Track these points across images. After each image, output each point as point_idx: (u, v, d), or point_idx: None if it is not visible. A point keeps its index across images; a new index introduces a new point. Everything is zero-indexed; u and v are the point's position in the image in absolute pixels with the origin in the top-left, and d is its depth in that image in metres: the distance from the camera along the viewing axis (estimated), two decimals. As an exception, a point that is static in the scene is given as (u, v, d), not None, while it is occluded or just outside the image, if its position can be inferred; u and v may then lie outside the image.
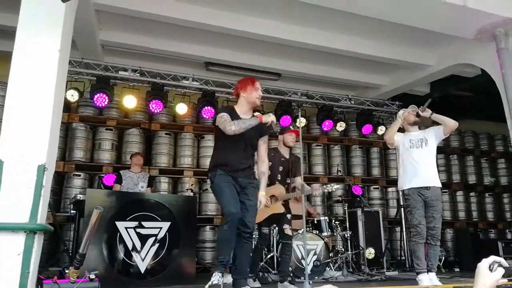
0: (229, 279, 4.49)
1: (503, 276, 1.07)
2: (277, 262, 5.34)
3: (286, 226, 4.32)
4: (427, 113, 4.15)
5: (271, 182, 4.25)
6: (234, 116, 3.49)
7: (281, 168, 4.44)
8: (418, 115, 4.21)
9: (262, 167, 3.66)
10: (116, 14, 5.46)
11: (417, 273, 4.09)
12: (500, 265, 1.09)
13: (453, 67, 6.66)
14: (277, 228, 4.85)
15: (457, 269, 6.94)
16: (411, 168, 4.19)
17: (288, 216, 4.38)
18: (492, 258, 1.06)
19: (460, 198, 8.65)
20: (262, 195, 3.58)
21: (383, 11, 5.09)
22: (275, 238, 5.34)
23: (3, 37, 5.73)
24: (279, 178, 4.40)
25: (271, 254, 5.35)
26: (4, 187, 2.79)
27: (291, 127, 4.55)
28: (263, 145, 3.68)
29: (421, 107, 4.21)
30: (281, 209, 4.32)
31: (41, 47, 3.11)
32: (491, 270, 1.03)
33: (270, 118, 3.46)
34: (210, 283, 3.20)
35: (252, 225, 3.46)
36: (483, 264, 1.02)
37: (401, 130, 4.42)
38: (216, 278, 3.21)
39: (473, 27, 5.25)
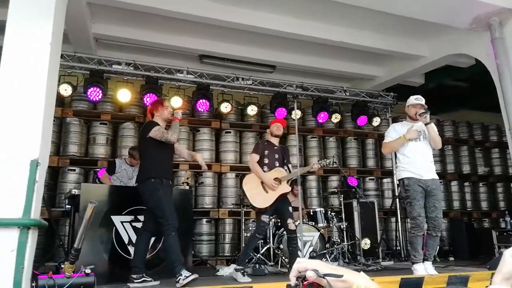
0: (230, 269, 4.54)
1: None
2: (273, 254, 5.38)
3: (290, 221, 4.47)
4: (424, 120, 4.11)
5: (270, 167, 4.58)
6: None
7: (277, 156, 4.64)
8: (415, 115, 4.18)
9: (184, 151, 4.60)
10: (108, 6, 5.41)
11: (413, 263, 4.12)
12: None
13: (448, 58, 6.66)
14: (273, 221, 4.92)
15: (451, 258, 7.00)
16: (408, 160, 4.18)
17: (290, 208, 4.57)
18: None
19: (454, 188, 8.69)
20: (199, 155, 4.46)
21: (377, 2, 5.07)
22: (271, 230, 5.37)
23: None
24: (277, 165, 4.61)
25: (268, 246, 5.38)
26: (-3, 183, 2.77)
27: (276, 117, 4.66)
28: (179, 146, 4.40)
29: (423, 113, 4.12)
30: (288, 188, 4.55)
31: (31, 40, 3.08)
32: None
33: (178, 114, 4.23)
34: (183, 278, 3.53)
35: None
36: (508, 252, 1.01)
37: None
38: (186, 272, 3.60)
39: (468, 17, 5.24)
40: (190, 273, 3.59)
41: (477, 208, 8.78)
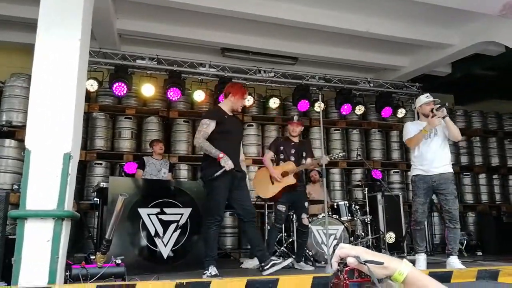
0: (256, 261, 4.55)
1: None
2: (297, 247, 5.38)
3: (304, 216, 4.70)
4: (441, 113, 4.12)
5: (285, 161, 4.77)
6: (221, 114, 3.97)
7: (293, 151, 4.79)
8: (432, 111, 4.18)
9: (242, 156, 4.20)
10: (132, 2, 5.47)
11: (415, 253, 4.29)
12: None
13: (476, 46, 6.46)
14: (295, 215, 5.01)
15: (479, 253, 6.84)
16: (416, 158, 4.29)
17: (306, 204, 4.75)
18: None
19: (482, 181, 8.46)
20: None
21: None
22: (295, 224, 5.37)
23: (25, 30, 5.83)
24: (293, 159, 4.75)
25: (292, 239, 5.38)
26: (32, 176, 2.87)
27: (294, 117, 4.89)
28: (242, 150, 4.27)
29: (440, 107, 4.15)
30: (293, 180, 4.64)
31: (62, 37, 3.16)
32: None
33: (226, 165, 3.73)
34: (208, 273, 3.61)
35: (252, 209, 3.97)
36: None
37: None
38: (213, 269, 3.66)
39: (498, 3, 5.05)
40: (216, 272, 3.64)
41: (506, 201, 8.53)
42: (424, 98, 4.32)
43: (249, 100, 6.94)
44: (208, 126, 3.86)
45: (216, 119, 3.91)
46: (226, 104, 4.05)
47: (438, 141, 4.21)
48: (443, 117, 4.12)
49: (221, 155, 3.76)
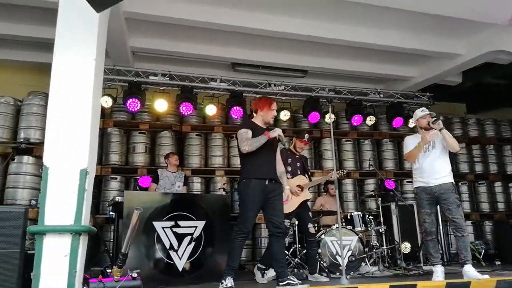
0: (272, 273, 4.61)
1: None
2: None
3: (310, 226, 4.80)
4: (437, 126, 4.19)
5: (293, 175, 4.89)
6: (254, 127, 3.92)
7: (298, 164, 4.99)
8: (428, 124, 4.25)
9: (281, 168, 4.10)
10: (144, 21, 5.62)
11: (432, 265, 4.25)
12: None
13: (486, 55, 6.45)
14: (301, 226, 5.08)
15: (498, 262, 6.71)
16: (416, 170, 4.34)
17: (309, 213, 4.90)
18: None
19: (498, 189, 8.33)
20: (287, 188, 4.04)
21: (411, 2, 5.01)
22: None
23: (43, 50, 6.04)
24: (299, 173, 4.96)
25: (305, 251, 5.36)
26: (50, 192, 2.95)
27: (305, 136, 5.03)
28: (278, 151, 4.12)
29: (435, 120, 4.22)
30: (309, 195, 4.89)
31: (78, 57, 3.27)
32: None
33: (276, 132, 3.82)
34: (224, 285, 3.60)
35: (279, 225, 3.82)
36: None
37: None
38: (230, 281, 3.64)
39: (507, 12, 5.07)
40: (232, 284, 3.63)
41: (524, 209, 8.37)
42: (420, 112, 4.40)
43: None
44: (247, 133, 3.80)
45: (250, 128, 3.88)
46: (258, 119, 4.03)
47: (436, 153, 4.26)
48: (440, 130, 4.18)
49: (266, 132, 3.79)
